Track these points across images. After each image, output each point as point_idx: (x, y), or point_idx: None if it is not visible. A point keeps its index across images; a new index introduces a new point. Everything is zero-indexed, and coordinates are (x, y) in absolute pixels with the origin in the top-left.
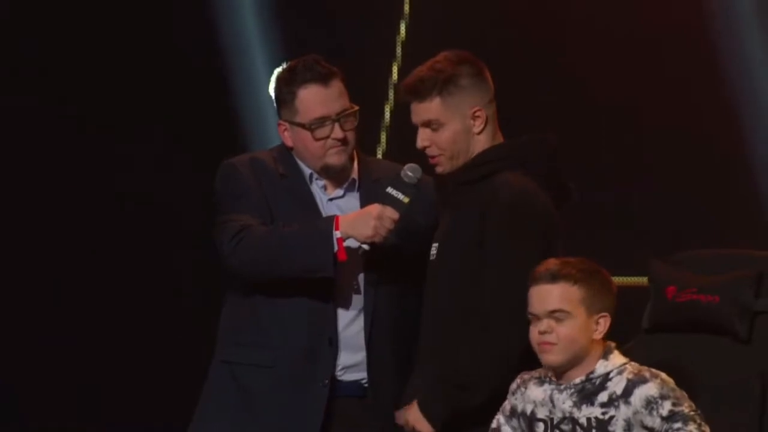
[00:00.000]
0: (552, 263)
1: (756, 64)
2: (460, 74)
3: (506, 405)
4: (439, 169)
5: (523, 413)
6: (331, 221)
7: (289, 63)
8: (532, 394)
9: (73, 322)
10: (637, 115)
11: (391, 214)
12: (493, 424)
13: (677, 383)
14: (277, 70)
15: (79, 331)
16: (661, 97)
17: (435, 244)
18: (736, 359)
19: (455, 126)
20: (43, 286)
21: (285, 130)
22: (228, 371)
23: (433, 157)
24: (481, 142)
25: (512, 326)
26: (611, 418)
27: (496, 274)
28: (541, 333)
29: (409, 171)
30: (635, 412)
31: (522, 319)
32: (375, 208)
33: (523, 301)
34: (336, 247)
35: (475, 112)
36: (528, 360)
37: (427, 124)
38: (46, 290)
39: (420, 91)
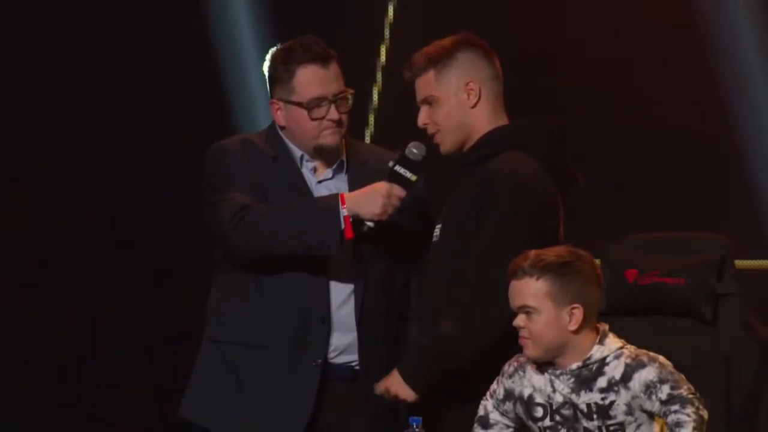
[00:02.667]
0: (525, 257)
1: (749, 61)
2: (457, 50)
3: (497, 389)
4: (441, 149)
5: (521, 396)
6: (337, 198)
7: (285, 43)
8: (532, 379)
9: (66, 310)
10: (627, 104)
11: (399, 192)
12: (480, 411)
13: None
14: (273, 50)
15: (73, 319)
16: (647, 91)
17: (438, 226)
18: (699, 341)
19: (450, 100)
20: (38, 280)
21: (278, 109)
22: (218, 351)
23: (433, 135)
24: (478, 118)
25: (497, 301)
26: (612, 402)
27: (489, 251)
28: (517, 328)
29: (414, 148)
30: (635, 397)
31: (503, 296)
32: (383, 186)
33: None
34: (343, 225)
35: (467, 84)
36: (510, 338)
37: (426, 101)
38: (41, 284)
39: (417, 66)
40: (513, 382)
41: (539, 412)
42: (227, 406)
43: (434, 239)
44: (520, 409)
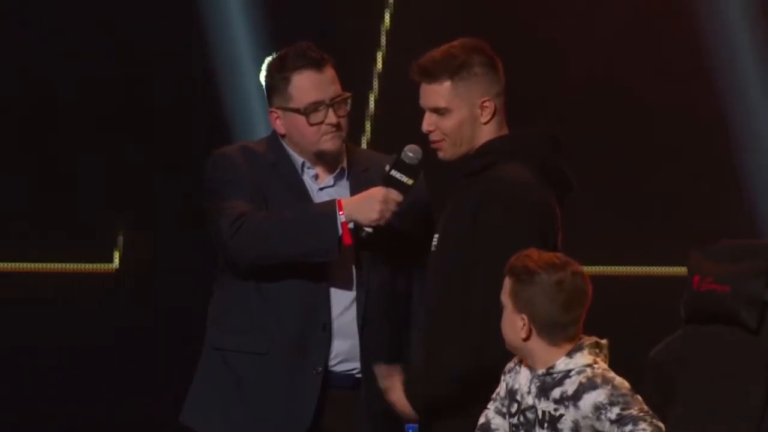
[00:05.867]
0: (519, 258)
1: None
2: (474, 62)
3: (500, 388)
4: (440, 155)
5: (510, 390)
6: (334, 205)
7: (280, 51)
8: (521, 376)
9: (65, 314)
10: (626, 109)
11: (396, 196)
12: (481, 419)
13: (684, 373)
14: (268, 59)
15: (71, 324)
16: (649, 94)
17: (436, 236)
18: (745, 350)
19: (462, 113)
20: (38, 281)
21: (277, 117)
22: (219, 358)
23: (435, 141)
24: (486, 133)
25: (492, 323)
26: (560, 416)
27: (485, 269)
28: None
29: (410, 152)
30: (584, 417)
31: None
32: (379, 191)
33: None
34: (341, 231)
35: (484, 101)
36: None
37: (435, 109)
38: (41, 286)
39: (432, 72)
40: (510, 377)
41: (514, 407)
42: (228, 413)
43: (432, 249)
44: (507, 402)
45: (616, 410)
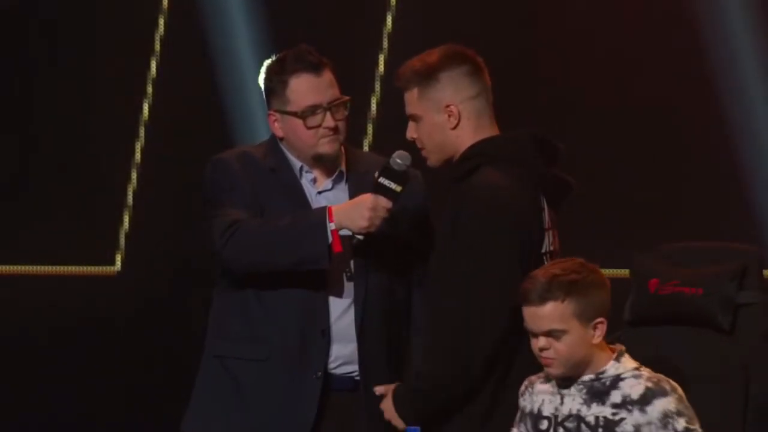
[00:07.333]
0: (539, 279)
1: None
2: (441, 68)
3: (518, 414)
4: (428, 163)
5: (531, 412)
6: (324, 212)
7: (279, 54)
8: (541, 393)
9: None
10: (624, 110)
11: (385, 203)
12: None
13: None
14: (267, 61)
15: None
16: (647, 94)
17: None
18: (719, 351)
19: (431, 119)
20: (39, 285)
21: (275, 120)
22: (220, 365)
23: (420, 149)
24: (461, 139)
25: (467, 327)
26: (621, 420)
27: (464, 276)
28: (540, 350)
29: (398, 158)
30: (649, 423)
31: (490, 320)
32: (368, 199)
33: (492, 303)
34: (331, 239)
35: (447, 107)
36: (499, 363)
37: (410, 116)
38: (43, 290)
39: (403, 81)
40: (524, 400)
41: (544, 424)
42: (229, 420)
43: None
44: (529, 425)
45: (683, 422)
